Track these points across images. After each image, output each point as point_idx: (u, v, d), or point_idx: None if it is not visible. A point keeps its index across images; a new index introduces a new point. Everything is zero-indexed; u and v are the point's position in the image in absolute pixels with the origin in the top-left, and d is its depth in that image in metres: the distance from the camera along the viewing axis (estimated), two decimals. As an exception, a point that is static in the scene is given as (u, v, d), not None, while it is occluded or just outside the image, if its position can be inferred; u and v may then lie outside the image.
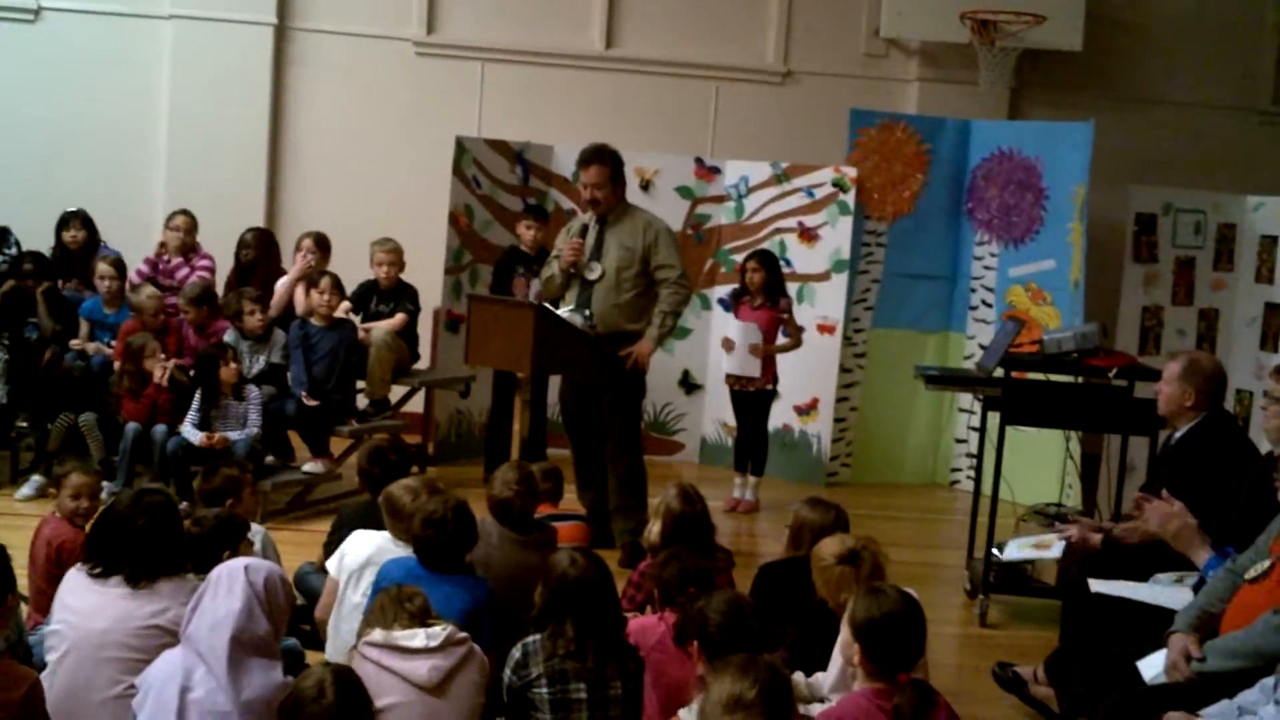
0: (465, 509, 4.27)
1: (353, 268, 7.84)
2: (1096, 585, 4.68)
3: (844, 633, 3.55)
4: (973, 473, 6.82)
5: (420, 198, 8.77)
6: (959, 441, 8.73)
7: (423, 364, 8.17)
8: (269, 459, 7.11)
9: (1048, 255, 8.21)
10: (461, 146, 8.27)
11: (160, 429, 6.71)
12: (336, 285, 7.33)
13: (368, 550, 4.46)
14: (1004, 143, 8.47)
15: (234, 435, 6.69)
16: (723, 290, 8.62)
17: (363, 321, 7.75)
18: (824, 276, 8.46)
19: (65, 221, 7.92)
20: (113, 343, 7.34)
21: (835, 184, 8.45)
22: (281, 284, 7.75)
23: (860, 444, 8.69)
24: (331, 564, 4.59)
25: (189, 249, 7.92)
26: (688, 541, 4.57)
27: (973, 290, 8.65)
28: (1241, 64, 9.76)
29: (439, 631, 3.64)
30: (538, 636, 3.77)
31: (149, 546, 3.80)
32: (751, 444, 7.82)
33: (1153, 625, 4.22)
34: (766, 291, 7.63)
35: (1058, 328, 7.25)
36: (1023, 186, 8.35)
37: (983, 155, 8.56)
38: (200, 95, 8.98)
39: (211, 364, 6.77)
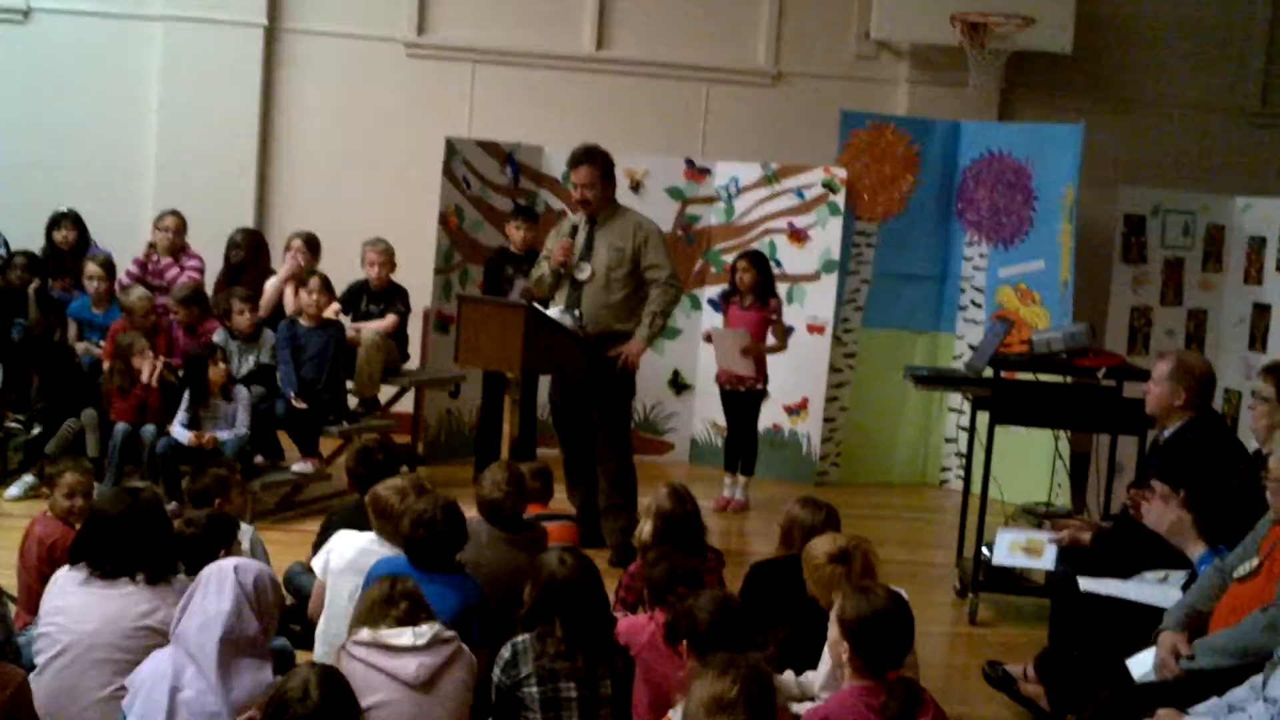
0: (455, 509, 4.28)
1: (343, 268, 7.84)
2: (1086, 584, 4.69)
3: (832, 631, 3.55)
4: (962, 472, 6.83)
5: (410, 198, 8.76)
6: (948, 441, 8.75)
7: (412, 364, 8.17)
8: (258, 459, 7.09)
9: (1037, 256, 8.23)
10: (452, 147, 8.26)
11: (149, 429, 6.70)
12: (325, 285, 7.32)
13: (351, 552, 4.46)
14: (994, 144, 8.49)
15: (223, 435, 6.68)
16: (713, 291, 8.63)
17: (353, 321, 7.75)
18: (814, 277, 8.46)
19: (56, 222, 7.91)
20: (101, 343, 7.33)
21: (825, 185, 8.46)
22: (271, 284, 7.74)
23: (850, 443, 8.70)
24: (317, 564, 4.59)
25: (178, 249, 7.91)
26: (678, 541, 4.57)
27: (962, 291, 8.66)
28: (1230, 66, 9.78)
29: (426, 630, 3.64)
30: (527, 636, 3.77)
31: (135, 545, 3.80)
32: (741, 444, 7.83)
33: (1142, 623, 4.24)
34: (757, 292, 7.63)
35: (1047, 328, 7.27)
36: (1012, 188, 8.37)
37: (972, 156, 8.58)
38: (190, 96, 8.96)
39: (200, 364, 6.76)
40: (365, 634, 3.65)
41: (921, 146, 8.58)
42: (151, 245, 7.94)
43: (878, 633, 3.45)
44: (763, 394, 7.80)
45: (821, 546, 4.13)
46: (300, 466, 7.12)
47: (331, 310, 7.42)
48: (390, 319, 7.75)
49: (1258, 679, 3.49)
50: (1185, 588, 4.37)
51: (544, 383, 7.62)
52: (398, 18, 9.23)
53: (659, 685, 3.81)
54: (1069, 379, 6.23)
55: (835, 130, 8.58)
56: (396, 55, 9.25)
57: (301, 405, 7.07)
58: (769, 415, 8.23)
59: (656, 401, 8.87)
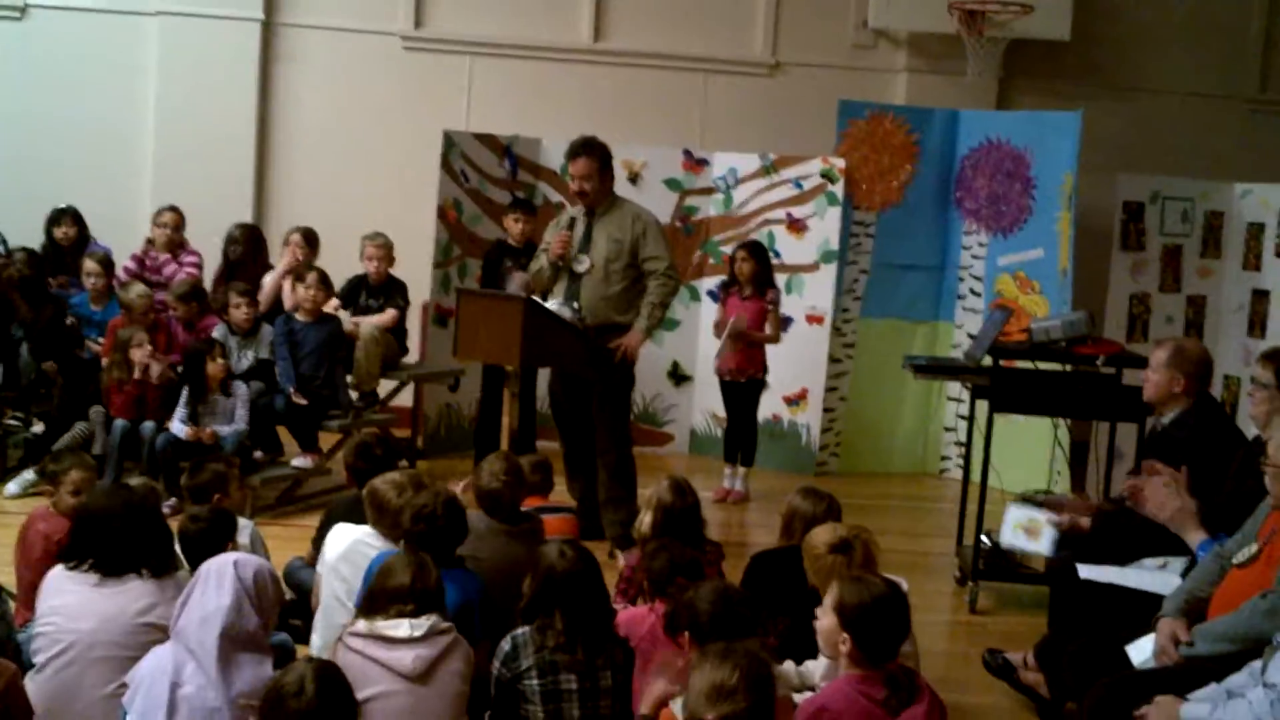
0: (455, 502, 4.30)
1: (341, 263, 7.83)
2: (1085, 571, 4.70)
3: (826, 623, 3.54)
4: (961, 461, 6.84)
5: (408, 192, 8.76)
6: (948, 430, 8.75)
7: (411, 358, 8.17)
8: (258, 454, 7.09)
9: (1036, 244, 8.23)
10: (449, 140, 8.26)
11: (149, 425, 6.69)
12: (323, 280, 7.30)
13: (343, 545, 4.48)
14: (992, 132, 8.48)
15: (222, 430, 6.68)
16: (711, 282, 8.62)
17: (352, 316, 7.74)
18: (813, 267, 8.46)
19: (56, 218, 7.92)
20: (100, 340, 7.33)
21: (824, 175, 8.45)
22: (269, 279, 7.74)
23: (849, 433, 8.70)
24: (320, 560, 4.61)
25: (176, 245, 7.91)
26: (678, 534, 4.58)
27: (961, 279, 8.66)
28: (1229, 52, 9.76)
29: (423, 621, 3.64)
30: (527, 629, 3.78)
31: (127, 541, 3.80)
32: (741, 434, 7.83)
33: (1141, 610, 4.24)
34: (756, 282, 7.63)
35: (1046, 316, 7.26)
36: (1011, 176, 8.36)
37: (971, 145, 8.57)
38: (187, 91, 8.96)
39: (199, 360, 6.76)
40: (362, 625, 3.66)
41: (920, 135, 8.57)
42: (150, 241, 7.94)
43: (877, 620, 3.46)
44: (762, 384, 7.80)
45: (822, 536, 4.14)
46: (300, 461, 7.12)
47: (331, 306, 7.42)
48: (390, 313, 7.74)
49: (1257, 664, 3.50)
50: (1184, 574, 4.37)
51: (543, 375, 7.62)
52: (394, 11, 9.23)
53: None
54: (1068, 367, 6.22)
55: (833, 120, 8.57)
56: (393, 48, 9.25)
57: (301, 400, 7.07)
58: (768, 406, 8.23)
59: (656, 393, 8.87)
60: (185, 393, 6.73)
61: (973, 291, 8.59)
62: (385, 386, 7.85)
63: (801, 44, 9.48)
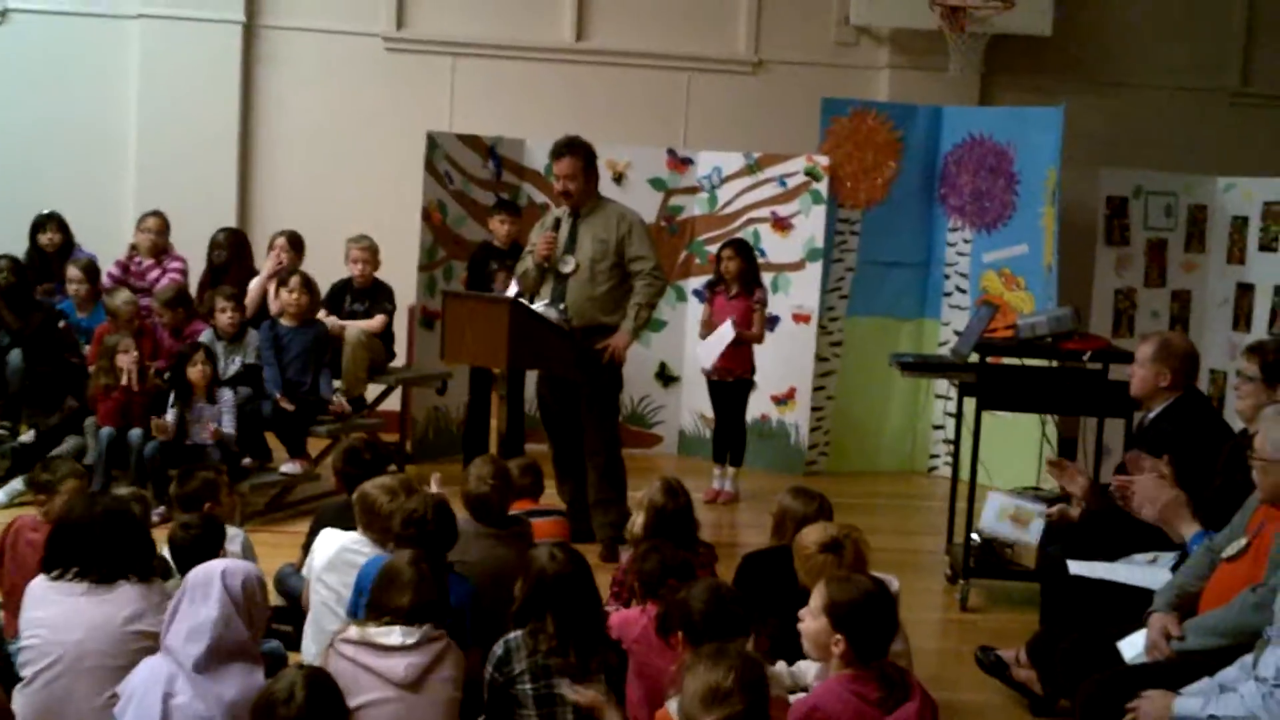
0: (445, 507, 4.29)
1: (326, 266, 7.80)
2: (1075, 567, 4.70)
3: (815, 626, 3.53)
4: (950, 458, 6.85)
5: (392, 194, 8.74)
6: (936, 428, 8.75)
7: (399, 362, 8.14)
8: (246, 461, 7.06)
9: (1020, 240, 8.24)
10: (433, 142, 8.24)
11: (136, 433, 6.66)
12: (306, 284, 7.28)
13: (330, 551, 4.47)
14: (975, 128, 8.50)
15: (207, 439, 6.65)
16: (697, 281, 8.62)
17: (339, 320, 7.71)
18: (798, 266, 8.46)
19: (41, 224, 7.87)
20: (87, 346, 7.28)
21: (808, 173, 8.45)
22: (255, 284, 7.71)
23: (838, 432, 8.71)
24: (305, 566, 4.59)
25: (161, 250, 7.87)
26: (670, 535, 4.57)
27: (946, 276, 8.67)
28: (1210, 46, 9.79)
29: (415, 629, 3.63)
30: (519, 633, 3.77)
31: (109, 546, 3.78)
32: (730, 434, 7.83)
33: (1132, 606, 4.25)
34: (742, 280, 7.63)
35: (1032, 312, 7.25)
36: (994, 172, 8.37)
37: (954, 141, 8.59)
38: (169, 95, 8.92)
39: (182, 363, 6.74)
40: (354, 632, 3.65)
41: (903, 132, 8.58)
42: (133, 247, 7.91)
43: (869, 618, 3.46)
44: (750, 384, 7.80)
45: (812, 536, 4.13)
46: (288, 467, 7.10)
47: (320, 316, 7.41)
48: (378, 319, 7.71)
49: (1248, 658, 3.50)
50: (1175, 569, 4.38)
51: (531, 378, 7.61)
52: (376, 12, 9.20)
53: (653, 679, 3.81)
54: (1054, 363, 6.24)
55: (817, 118, 8.57)
56: (375, 50, 9.22)
57: (288, 406, 7.04)
58: (757, 405, 8.22)
59: (644, 394, 8.87)
60: (172, 397, 6.70)
61: (958, 288, 8.60)
62: (373, 391, 7.83)
63: (784, 42, 9.48)
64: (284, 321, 7.24)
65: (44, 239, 7.84)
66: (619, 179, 8.63)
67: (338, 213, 8.63)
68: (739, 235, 8.38)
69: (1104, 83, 9.60)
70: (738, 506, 7.70)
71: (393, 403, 8.15)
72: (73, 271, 7.49)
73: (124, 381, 6.74)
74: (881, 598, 3.53)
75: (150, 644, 3.62)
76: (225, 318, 7.16)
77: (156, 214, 7.89)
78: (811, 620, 3.55)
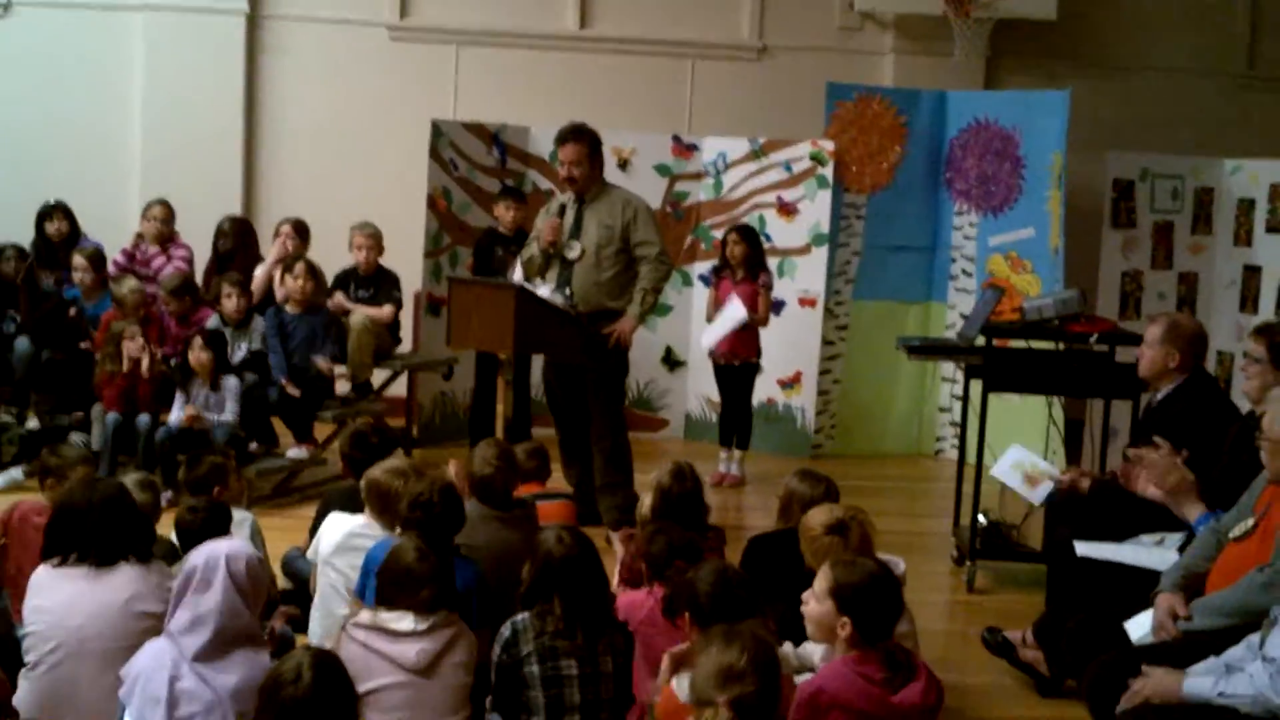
0: (452, 490, 4.29)
1: (331, 254, 7.82)
2: (1082, 548, 4.71)
3: (820, 609, 3.53)
4: (957, 441, 6.84)
5: (398, 182, 8.74)
6: (942, 410, 8.76)
7: (404, 347, 8.16)
8: (253, 446, 7.08)
9: (1027, 223, 8.23)
10: (438, 130, 8.24)
11: (144, 419, 6.69)
12: (311, 271, 7.29)
13: (338, 535, 4.48)
14: (981, 113, 8.48)
15: (212, 419, 6.67)
16: (703, 266, 8.62)
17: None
18: (804, 250, 8.46)
19: (47, 214, 7.88)
20: (93, 333, 7.30)
21: (813, 158, 8.44)
22: (260, 271, 7.72)
23: (844, 415, 8.71)
24: (311, 550, 4.60)
25: (166, 238, 7.88)
26: (678, 518, 4.57)
27: (953, 260, 8.66)
28: (1216, 29, 9.75)
29: (427, 614, 3.64)
30: (527, 615, 3.78)
31: (107, 529, 3.79)
32: (736, 418, 7.83)
33: (1139, 586, 4.25)
34: (748, 264, 7.62)
35: (1038, 295, 7.26)
36: (1000, 156, 8.36)
37: (960, 126, 8.57)
38: (174, 85, 8.93)
39: (185, 347, 6.79)
40: (365, 616, 3.65)
41: (908, 117, 8.57)
42: (139, 235, 7.92)
43: (875, 599, 3.46)
44: (756, 368, 7.80)
45: (818, 518, 4.13)
46: (295, 452, 7.12)
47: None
48: (388, 309, 7.71)
49: (1255, 638, 3.51)
50: (1181, 549, 4.38)
51: (537, 362, 7.61)
52: (379, 1, 9.20)
53: (659, 660, 3.82)
54: (1061, 345, 6.23)
55: (822, 103, 8.55)
56: (379, 39, 9.22)
57: (294, 391, 7.06)
58: (763, 389, 8.23)
59: (650, 378, 8.87)
60: (183, 384, 6.73)
61: (964, 272, 8.59)
62: (379, 376, 7.84)
63: (788, 27, 9.46)
64: (289, 308, 7.26)
65: (50, 228, 7.84)
66: (624, 165, 8.62)
67: (343, 200, 8.63)
68: (744, 220, 8.37)
69: (1109, 66, 9.57)
70: (744, 490, 7.71)
71: (399, 388, 8.16)
72: (78, 260, 7.50)
73: (130, 369, 6.76)
74: (886, 580, 3.53)
75: (153, 624, 3.63)
76: (231, 303, 7.17)
77: (162, 202, 7.90)
78: (817, 603, 3.56)
